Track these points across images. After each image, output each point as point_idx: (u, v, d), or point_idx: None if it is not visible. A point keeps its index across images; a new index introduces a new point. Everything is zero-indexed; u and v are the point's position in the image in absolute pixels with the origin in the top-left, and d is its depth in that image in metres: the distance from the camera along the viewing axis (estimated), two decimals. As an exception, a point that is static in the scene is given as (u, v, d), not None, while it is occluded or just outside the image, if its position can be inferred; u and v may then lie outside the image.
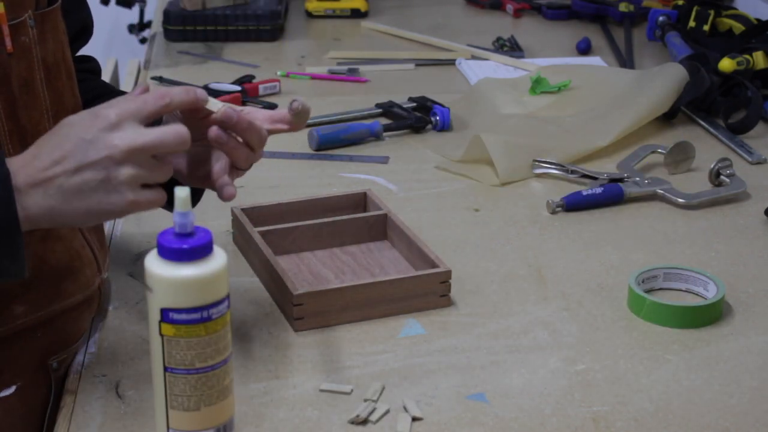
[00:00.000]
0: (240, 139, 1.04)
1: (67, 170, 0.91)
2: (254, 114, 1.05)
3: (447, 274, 1.20)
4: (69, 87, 1.09)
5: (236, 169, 1.06)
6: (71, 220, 0.94)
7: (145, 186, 0.93)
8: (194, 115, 1.04)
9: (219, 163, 1.06)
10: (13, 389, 1.08)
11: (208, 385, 0.91)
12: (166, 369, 0.91)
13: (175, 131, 0.92)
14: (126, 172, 0.91)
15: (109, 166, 0.91)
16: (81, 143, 0.91)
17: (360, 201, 1.38)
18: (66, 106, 1.08)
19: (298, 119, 1.05)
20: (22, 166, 0.91)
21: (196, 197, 1.17)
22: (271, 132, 1.06)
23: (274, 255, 1.22)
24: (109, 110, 0.92)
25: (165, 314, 0.89)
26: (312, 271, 1.27)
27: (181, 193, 0.88)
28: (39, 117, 1.04)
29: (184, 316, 0.89)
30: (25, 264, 0.93)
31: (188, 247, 0.88)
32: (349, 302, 1.17)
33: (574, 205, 1.44)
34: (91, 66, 1.29)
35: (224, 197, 1.05)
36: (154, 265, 0.89)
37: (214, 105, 1.03)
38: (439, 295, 1.20)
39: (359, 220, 1.33)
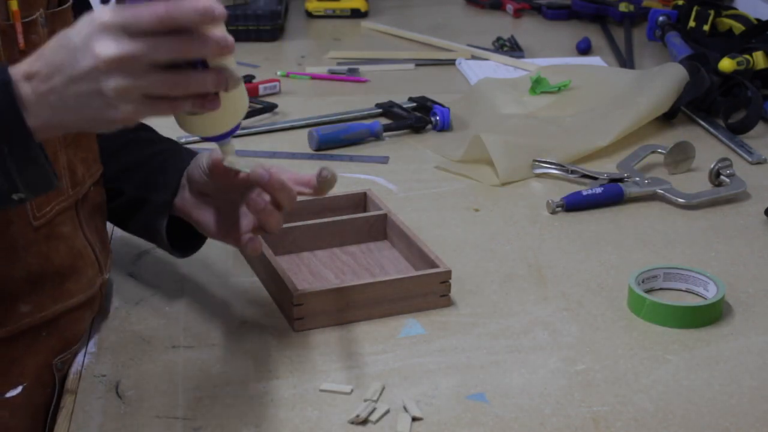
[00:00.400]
0: (268, 198, 1.06)
1: (63, 81, 0.85)
2: (280, 174, 1.07)
3: (447, 274, 1.20)
4: None
5: (262, 230, 1.09)
6: (79, 128, 0.89)
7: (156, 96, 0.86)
8: (221, 173, 1.07)
9: (246, 219, 1.10)
10: (19, 389, 1.08)
11: None
12: None
13: (150, 9, 0.83)
14: (114, 84, 0.83)
15: (98, 77, 0.83)
16: (73, 51, 0.84)
17: (360, 201, 1.38)
18: None
19: (324, 186, 1.08)
20: (25, 75, 0.86)
21: (199, 243, 1.20)
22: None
23: (274, 255, 1.22)
24: (102, 12, 0.83)
25: None
26: (312, 271, 1.27)
27: None
28: None
29: None
30: (51, 173, 0.88)
31: None
32: (349, 302, 1.17)
33: (574, 205, 1.44)
34: None
35: (249, 251, 1.09)
36: None
37: (236, 162, 1.03)
38: (439, 295, 1.20)
39: (359, 220, 1.33)
